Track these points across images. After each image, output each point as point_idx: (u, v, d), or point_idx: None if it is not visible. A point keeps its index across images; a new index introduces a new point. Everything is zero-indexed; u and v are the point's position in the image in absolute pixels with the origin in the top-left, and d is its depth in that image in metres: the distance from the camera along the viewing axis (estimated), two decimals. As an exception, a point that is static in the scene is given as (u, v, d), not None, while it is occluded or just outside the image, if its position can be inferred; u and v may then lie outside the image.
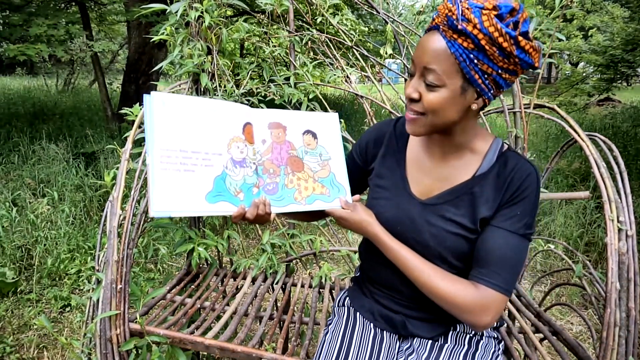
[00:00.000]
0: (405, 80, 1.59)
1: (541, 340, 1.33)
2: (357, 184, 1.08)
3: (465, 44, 0.76)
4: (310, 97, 1.66)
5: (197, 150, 0.84)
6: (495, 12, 0.75)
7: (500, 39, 0.75)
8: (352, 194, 1.01)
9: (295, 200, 0.93)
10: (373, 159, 1.04)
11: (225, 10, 1.65)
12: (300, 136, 0.98)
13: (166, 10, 1.50)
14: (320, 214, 1.10)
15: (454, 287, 0.85)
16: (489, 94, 0.82)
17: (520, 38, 0.76)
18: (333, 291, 1.60)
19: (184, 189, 0.81)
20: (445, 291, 0.85)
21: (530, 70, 0.84)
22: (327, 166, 0.99)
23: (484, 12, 0.75)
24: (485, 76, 0.79)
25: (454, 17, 0.76)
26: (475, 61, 0.77)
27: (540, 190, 0.89)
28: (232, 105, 0.91)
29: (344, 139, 1.63)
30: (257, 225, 1.81)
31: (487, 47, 0.76)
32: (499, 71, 0.79)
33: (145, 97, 0.83)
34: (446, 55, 0.78)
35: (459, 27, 0.75)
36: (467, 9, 0.75)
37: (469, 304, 0.84)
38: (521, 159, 0.89)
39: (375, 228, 0.93)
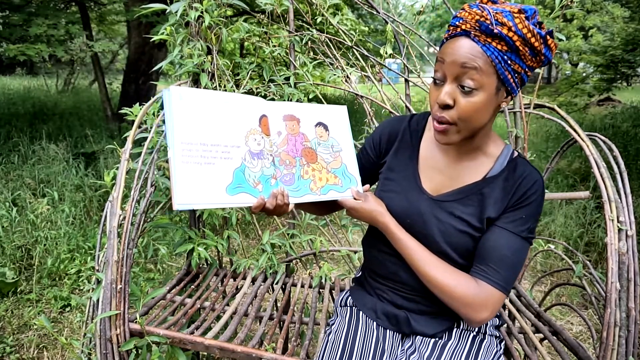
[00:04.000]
0: (406, 80, 1.59)
1: (541, 340, 1.33)
2: (368, 176, 1.10)
3: (499, 47, 0.80)
4: (310, 97, 1.66)
5: (216, 143, 0.85)
6: (523, 15, 0.80)
7: (533, 39, 0.80)
8: (362, 185, 1.04)
9: (311, 191, 0.95)
10: (386, 153, 1.07)
11: (225, 10, 1.65)
12: (313, 128, 1.00)
13: (166, 10, 1.49)
14: (332, 207, 1.12)
15: (455, 280, 0.89)
16: (517, 91, 0.87)
17: (548, 37, 0.81)
18: (333, 291, 1.60)
19: (205, 181, 0.82)
20: (446, 283, 0.88)
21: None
22: (338, 157, 1.01)
23: (515, 15, 0.79)
24: (516, 75, 0.83)
25: (488, 21, 0.79)
26: (509, 62, 0.81)
27: (544, 198, 0.93)
28: (247, 98, 0.92)
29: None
30: (256, 225, 1.81)
31: (520, 48, 0.80)
32: (526, 69, 0.83)
33: (164, 92, 0.83)
34: (484, 59, 0.81)
35: (495, 31, 0.79)
36: (498, 13, 0.79)
37: (468, 298, 0.87)
38: (529, 166, 0.93)
39: (386, 218, 0.96)
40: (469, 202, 0.93)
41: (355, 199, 0.98)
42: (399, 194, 0.99)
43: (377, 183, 1.09)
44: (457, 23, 0.83)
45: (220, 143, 0.86)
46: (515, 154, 0.96)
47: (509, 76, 0.82)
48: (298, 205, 1.01)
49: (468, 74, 0.81)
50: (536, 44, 0.80)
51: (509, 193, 0.90)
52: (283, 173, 0.93)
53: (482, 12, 0.80)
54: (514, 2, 1.38)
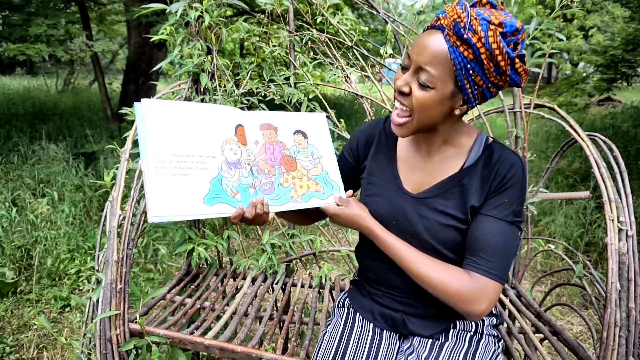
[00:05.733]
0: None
1: (541, 341, 1.33)
2: (350, 182, 1.10)
3: (465, 53, 0.78)
4: (310, 97, 1.66)
5: (191, 154, 0.84)
6: (500, 29, 0.77)
7: (499, 57, 0.77)
8: (346, 191, 1.03)
9: (292, 199, 0.94)
10: (365, 157, 1.07)
11: (225, 10, 1.65)
12: (291, 136, 1.00)
13: (166, 10, 1.49)
14: (315, 216, 1.11)
15: (447, 275, 0.87)
16: (474, 104, 0.85)
17: (516, 60, 0.79)
18: (333, 291, 1.60)
19: (181, 193, 0.81)
20: (439, 280, 0.87)
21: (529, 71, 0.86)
22: (319, 164, 1.01)
23: (490, 26, 0.77)
24: (476, 87, 0.82)
25: (462, 24, 0.77)
26: (471, 72, 0.80)
27: (526, 179, 0.92)
28: (223, 109, 0.92)
29: (344, 139, 1.63)
30: (257, 226, 1.80)
31: (485, 62, 0.78)
32: (489, 85, 0.82)
33: (136, 105, 0.83)
34: (445, 60, 0.79)
35: (465, 36, 0.77)
36: (475, 19, 0.77)
37: (463, 292, 0.85)
38: (506, 150, 0.92)
39: (369, 222, 0.95)
40: (450, 195, 0.93)
41: (337, 204, 0.97)
42: (382, 197, 0.99)
43: (360, 189, 1.09)
44: (440, 16, 0.82)
45: (195, 154, 0.85)
46: (490, 140, 0.95)
47: (468, 86, 0.81)
48: (280, 214, 1.01)
49: (427, 71, 0.81)
50: (502, 62, 0.78)
51: (488, 180, 0.89)
52: (262, 182, 0.92)
53: (462, 13, 0.78)
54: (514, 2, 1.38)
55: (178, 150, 0.83)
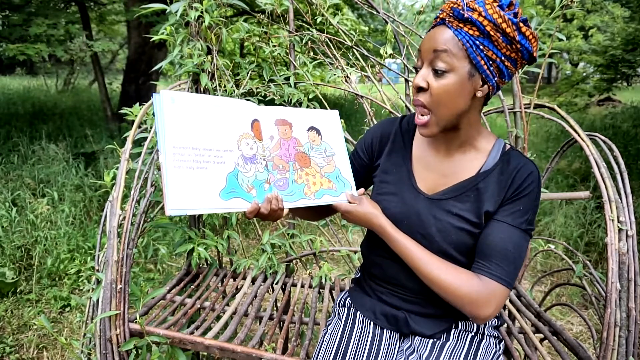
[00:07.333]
0: (406, 80, 1.59)
1: (541, 341, 1.33)
2: (362, 180, 1.10)
3: (471, 32, 0.81)
4: (310, 97, 1.66)
5: (208, 148, 0.85)
6: (496, 3, 0.82)
7: (504, 25, 0.80)
8: (357, 189, 1.03)
9: (305, 195, 0.95)
10: (379, 155, 1.06)
11: (225, 10, 1.65)
12: (305, 132, 1.00)
13: (166, 10, 1.49)
14: (325, 212, 1.11)
15: (457, 278, 0.88)
16: (493, 81, 0.85)
17: (521, 24, 0.82)
18: (333, 291, 1.60)
19: (198, 186, 0.81)
20: (448, 282, 0.88)
21: (529, 65, 0.88)
22: (332, 162, 1.01)
23: (487, 2, 0.82)
24: (490, 62, 0.83)
25: (460, 7, 0.81)
26: (481, 47, 0.82)
27: (541, 189, 0.93)
28: (239, 102, 0.93)
29: (345, 139, 1.63)
30: (256, 225, 1.81)
31: (492, 33, 0.81)
32: (502, 58, 0.83)
33: (155, 95, 0.83)
34: (454, 42, 0.82)
35: (465, 15, 0.81)
36: (472, 1, 0.82)
37: (472, 295, 0.86)
38: (523, 158, 0.93)
39: (381, 220, 0.95)
40: (465, 198, 0.93)
41: (349, 202, 0.98)
42: (395, 195, 0.99)
43: (372, 187, 1.09)
44: (438, 15, 0.86)
45: (213, 147, 0.85)
46: (508, 146, 0.96)
47: (482, 62, 0.82)
48: (292, 210, 1.01)
49: (440, 57, 0.83)
50: (508, 29, 0.80)
51: (505, 186, 0.90)
52: (277, 178, 0.92)
53: (458, 0, 0.83)
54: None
55: (196, 143, 0.83)
